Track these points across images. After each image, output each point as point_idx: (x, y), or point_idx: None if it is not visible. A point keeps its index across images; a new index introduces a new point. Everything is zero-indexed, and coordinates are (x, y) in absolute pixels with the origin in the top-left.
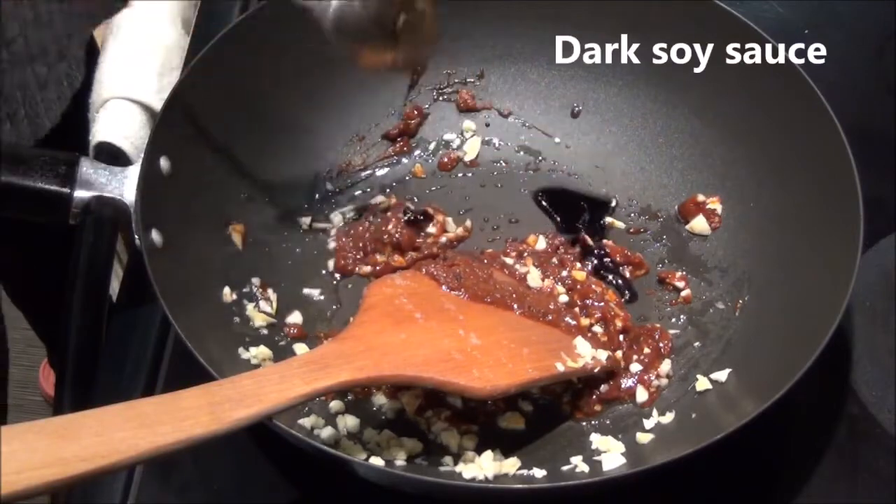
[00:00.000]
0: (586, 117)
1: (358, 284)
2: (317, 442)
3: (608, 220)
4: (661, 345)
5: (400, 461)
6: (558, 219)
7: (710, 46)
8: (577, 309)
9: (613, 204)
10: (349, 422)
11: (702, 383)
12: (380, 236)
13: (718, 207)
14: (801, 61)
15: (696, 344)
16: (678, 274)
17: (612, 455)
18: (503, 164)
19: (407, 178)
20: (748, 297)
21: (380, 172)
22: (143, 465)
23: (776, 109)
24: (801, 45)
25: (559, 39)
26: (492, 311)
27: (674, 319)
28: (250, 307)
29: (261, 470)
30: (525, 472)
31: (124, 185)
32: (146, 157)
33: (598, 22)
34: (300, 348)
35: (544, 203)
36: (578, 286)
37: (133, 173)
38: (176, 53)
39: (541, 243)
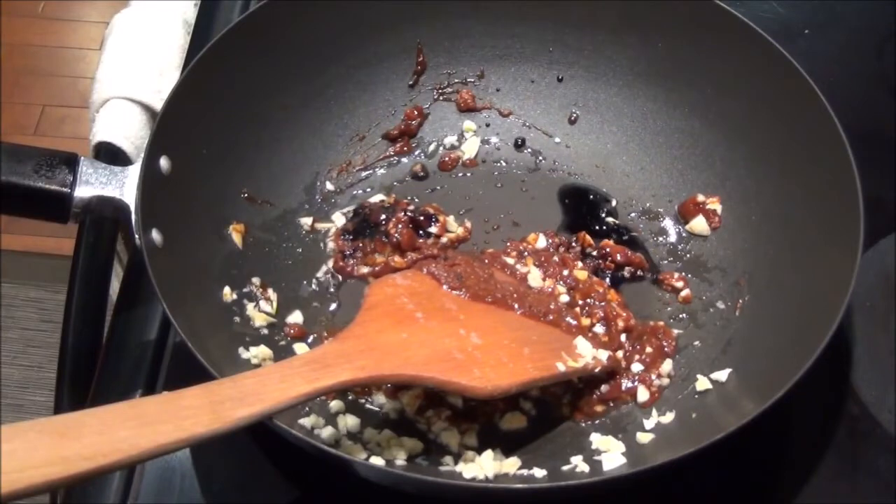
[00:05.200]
0: (586, 117)
1: (358, 284)
2: (317, 442)
3: (609, 220)
4: (664, 343)
5: (400, 461)
6: (568, 219)
7: (710, 47)
8: (577, 309)
9: (613, 204)
10: (349, 421)
11: (702, 383)
12: (379, 237)
13: (718, 207)
14: (802, 62)
15: (697, 344)
16: (677, 274)
17: (612, 455)
18: (503, 164)
19: (407, 178)
20: (748, 297)
21: (380, 172)
22: (143, 465)
23: (776, 109)
24: (802, 45)
25: (559, 40)
26: (493, 311)
27: (674, 319)
28: (250, 307)
29: (261, 470)
30: (525, 471)
31: (124, 185)
32: (146, 157)
33: (598, 21)
34: (300, 348)
35: (566, 202)
36: (580, 285)
37: (133, 173)
38: (176, 53)
39: (541, 241)
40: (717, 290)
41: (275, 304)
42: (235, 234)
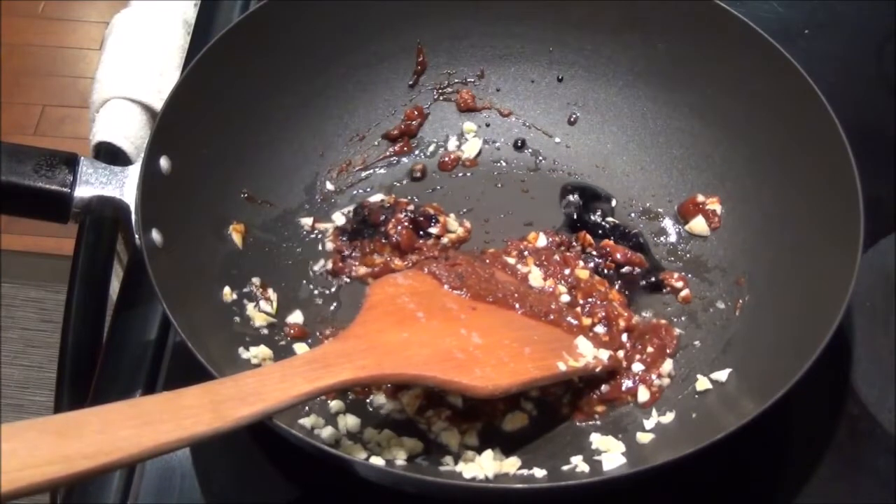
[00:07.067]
0: (586, 117)
1: (358, 285)
2: (317, 442)
3: (609, 220)
4: (666, 342)
5: (400, 461)
6: (568, 219)
7: (710, 46)
8: (578, 308)
9: (613, 204)
10: (349, 421)
11: (702, 383)
12: (379, 237)
13: (718, 207)
14: (802, 62)
15: (697, 344)
16: (677, 274)
17: (612, 455)
18: (503, 164)
19: (407, 178)
20: (748, 297)
21: (380, 172)
22: (143, 465)
23: (776, 109)
24: (802, 45)
25: (559, 40)
26: (494, 311)
27: (674, 319)
28: (250, 307)
29: (261, 470)
30: (525, 471)
31: (124, 185)
32: (146, 157)
33: (598, 22)
34: (300, 348)
35: (567, 202)
36: (582, 284)
37: (133, 173)
38: (176, 53)
39: (541, 240)
40: (717, 290)
41: (275, 304)
42: (235, 234)
